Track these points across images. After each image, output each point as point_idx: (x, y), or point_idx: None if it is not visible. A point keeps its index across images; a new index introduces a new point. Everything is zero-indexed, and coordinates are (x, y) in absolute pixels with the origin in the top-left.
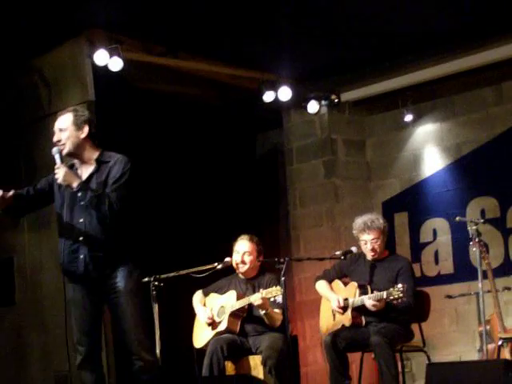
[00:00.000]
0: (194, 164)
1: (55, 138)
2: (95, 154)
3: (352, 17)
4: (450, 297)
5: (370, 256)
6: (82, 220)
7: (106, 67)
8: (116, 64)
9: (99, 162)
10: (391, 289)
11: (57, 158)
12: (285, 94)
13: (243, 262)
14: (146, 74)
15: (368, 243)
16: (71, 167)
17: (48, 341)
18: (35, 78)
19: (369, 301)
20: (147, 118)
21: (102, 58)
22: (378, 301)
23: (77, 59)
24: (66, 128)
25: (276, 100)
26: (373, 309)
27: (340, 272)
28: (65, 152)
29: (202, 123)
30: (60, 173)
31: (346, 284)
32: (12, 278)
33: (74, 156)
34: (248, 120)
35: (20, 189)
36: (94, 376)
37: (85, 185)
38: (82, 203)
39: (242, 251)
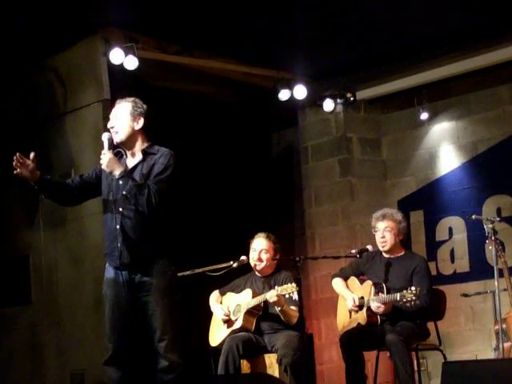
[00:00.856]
0: (209, 163)
1: (109, 124)
2: (144, 146)
3: (367, 15)
4: (465, 295)
5: (381, 246)
6: (121, 209)
7: (121, 66)
8: (131, 63)
9: (145, 154)
10: (404, 291)
11: (105, 143)
12: (300, 92)
13: (260, 260)
14: (162, 72)
15: (380, 231)
16: (117, 154)
17: (64, 339)
18: (51, 76)
19: (373, 303)
20: (162, 117)
21: (118, 56)
22: (383, 304)
23: (92, 58)
24: (122, 116)
25: (291, 98)
26: (378, 311)
27: (356, 270)
28: (117, 140)
29: (218, 122)
30: (105, 158)
31: (362, 282)
32: (28, 277)
33: (125, 145)
34: (263, 118)
35: (33, 189)
36: (120, 374)
37: (127, 173)
38: (124, 192)
39: (259, 249)
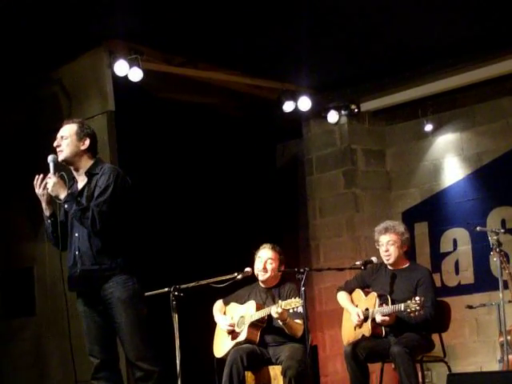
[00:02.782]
0: (214, 174)
1: (55, 143)
2: (88, 166)
3: (372, 27)
4: (470, 307)
5: (385, 260)
6: (77, 234)
7: (125, 77)
8: (136, 74)
9: (90, 175)
10: (408, 301)
11: (51, 166)
12: (305, 103)
13: (265, 270)
14: (166, 84)
15: (384, 245)
16: (62, 177)
17: (68, 350)
18: (55, 88)
19: (378, 315)
20: (167, 128)
21: (122, 68)
22: (387, 315)
23: (97, 70)
24: (67, 136)
25: (296, 110)
26: (383, 323)
27: (362, 282)
28: (61, 158)
29: (222, 133)
30: (50, 183)
31: (367, 294)
32: (32, 288)
33: (71, 164)
34: (268, 130)
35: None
36: None
37: (71, 197)
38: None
39: (265, 258)
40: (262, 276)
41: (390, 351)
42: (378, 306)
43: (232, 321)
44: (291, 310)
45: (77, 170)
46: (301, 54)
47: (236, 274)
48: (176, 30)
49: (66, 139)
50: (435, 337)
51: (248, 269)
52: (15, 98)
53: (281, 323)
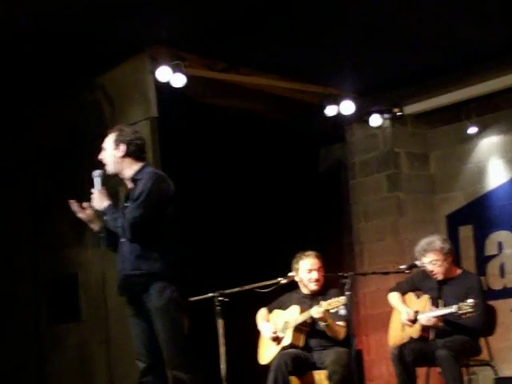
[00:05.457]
0: (257, 179)
1: (100, 156)
2: (132, 173)
3: (414, 30)
4: None
5: (434, 278)
6: (123, 239)
7: (168, 83)
8: (179, 80)
9: (134, 180)
10: (461, 303)
11: (95, 181)
12: (347, 108)
13: (318, 280)
14: (209, 89)
15: (428, 266)
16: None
17: (114, 355)
18: (99, 95)
19: (425, 316)
20: (210, 134)
21: (165, 74)
22: (435, 317)
23: (140, 76)
24: (106, 147)
25: (338, 114)
26: (428, 323)
27: (412, 285)
28: (108, 171)
29: (265, 138)
30: (94, 197)
31: (418, 297)
32: (77, 294)
33: (116, 173)
34: (311, 134)
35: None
36: None
37: (109, 207)
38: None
39: (314, 267)
40: (315, 286)
41: (436, 355)
42: (430, 309)
43: (275, 328)
44: (333, 311)
45: (124, 177)
46: (343, 58)
47: (280, 279)
48: (218, 36)
49: (106, 150)
50: (481, 340)
51: (292, 273)
52: (60, 105)
53: (322, 325)
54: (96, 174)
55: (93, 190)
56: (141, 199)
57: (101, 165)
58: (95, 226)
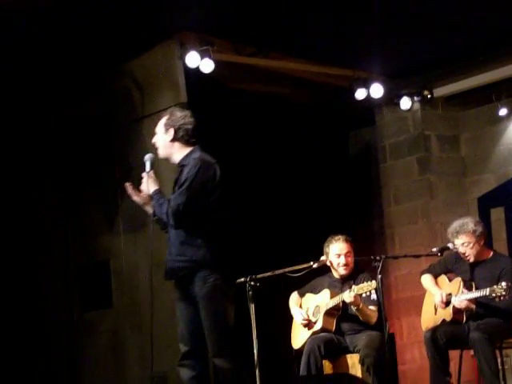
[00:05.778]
0: (286, 163)
1: (152, 140)
2: (180, 158)
3: (443, 12)
4: None
5: (466, 260)
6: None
7: (197, 69)
8: (207, 66)
9: (180, 165)
10: (494, 286)
11: (146, 165)
12: (377, 91)
13: (347, 264)
14: (237, 74)
15: (460, 248)
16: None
17: (145, 342)
18: (128, 81)
19: (458, 298)
20: (239, 119)
21: (194, 59)
22: (469, 300)
23: (168, 62)
24: (157, 131)
25: (368, 97)
26: (461, 306)
27: (445, 267)
28: (160, 155)
29: (294, 122)
30: (143, 181)
31: (451, 279)
32: (109, 281)
33: (168, 157)
34: (340, 118)
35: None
36: (193, 374)
37: (155, 192)
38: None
39: (344, 253)
40: (344, 270)
41: (470, 337)
42: (462, 291)
43: (307, 312)
44: (364, 295)
45: (174, 161)
46: (372, 40)
47: (312, 263)
48: (246, 20)
49: (157, 134)
50: None
51: (323, 257)
52: (90, 92)
53: (354, 309)
54: (147, 158)
55: (143, 174)
56: (185, 186)
57: (152, 149)
58: (149, 209)
